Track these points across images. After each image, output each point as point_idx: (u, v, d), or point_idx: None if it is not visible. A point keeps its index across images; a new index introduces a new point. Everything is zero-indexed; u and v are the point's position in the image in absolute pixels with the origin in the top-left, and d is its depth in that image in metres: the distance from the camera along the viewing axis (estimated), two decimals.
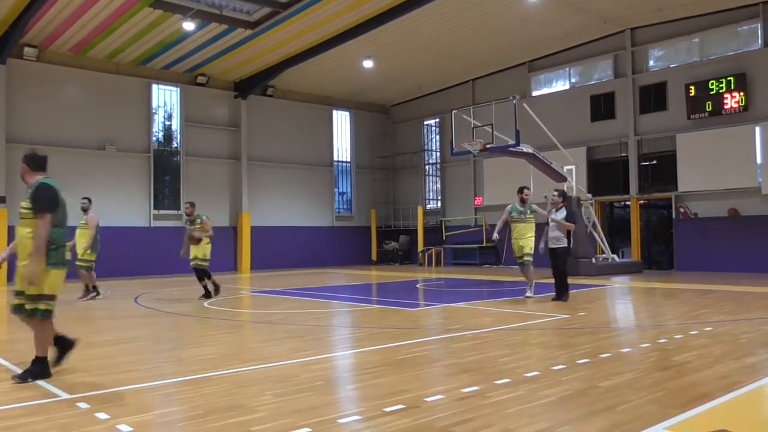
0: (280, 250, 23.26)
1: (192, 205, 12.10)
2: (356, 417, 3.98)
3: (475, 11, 17.92)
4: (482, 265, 22.72)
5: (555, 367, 5.28)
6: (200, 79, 21.75)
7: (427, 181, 26.76)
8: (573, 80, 21.79)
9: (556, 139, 17.86)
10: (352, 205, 26.44)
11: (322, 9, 17.24)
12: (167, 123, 21.79)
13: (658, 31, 19.41)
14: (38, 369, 5.10)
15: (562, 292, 10.50)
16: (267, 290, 14.05)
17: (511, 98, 16.01)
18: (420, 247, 24.76)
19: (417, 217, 25.34)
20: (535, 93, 22.55)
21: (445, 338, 7.17)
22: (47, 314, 5.09)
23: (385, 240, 26.23)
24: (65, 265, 5.24)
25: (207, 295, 11.87)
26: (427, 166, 26.58)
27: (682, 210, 18.74)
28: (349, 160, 26.44)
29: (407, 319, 8.96)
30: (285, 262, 23.29)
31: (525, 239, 10.96)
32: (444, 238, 24.69)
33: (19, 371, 5.17)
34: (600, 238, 18.26)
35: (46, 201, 5.08)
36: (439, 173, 26.12)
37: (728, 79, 17.53)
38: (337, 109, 25.92)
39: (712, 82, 17.83)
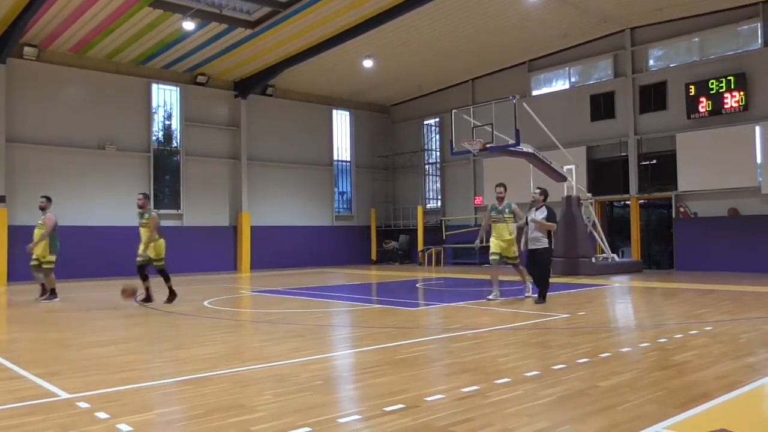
0: (279, 249, 23.28)
1: (146, 197, 11.48)
2: (356, 416, 3.97)
3: (475, 11, 17.93)
4: (482, 265, 22.69)
5: (555, 367, 5.28)
6: (200, 79, 21.76)
7: (427, 180, 26.76)
8: (573, 80, 21.78)
9: (555, 139, 17.85)
10: (352, 205, 26.44)
11: (321, 9, 17.25)
12: (167, 122, 21.79)
13: (658, 30, 19.41)
14: None
15: (543, 294, 10.11)
16: (267, 290, 14.05)
17: (510, 98, 15.99)
18: (420, 246, 24.78)
19: (417, 217, 25.37)
20: (535, 92, 22.55)
21: (445, 338, 7.16)
22: None
23: (385, 239, 26.24)
24: None
25: (149, 298, 11.28)
26: (426, 166, 26.58)
27: (682, 209, 18.74)
28: (348, 159, 26.44)
29: (407, 319, 8.96)
30: (285, 261, 23.30)
31: (502, 240, 10.54)
32: (444, 237, 24.70)
33: (20, 371, 5.15)
34: (600, 237, 18.25)
35: None
36: (438, 173, 26.12)
37: (728, 78, 17.54)
38: (336, 109, 25.93)
39: (712, 81, 17.83)
